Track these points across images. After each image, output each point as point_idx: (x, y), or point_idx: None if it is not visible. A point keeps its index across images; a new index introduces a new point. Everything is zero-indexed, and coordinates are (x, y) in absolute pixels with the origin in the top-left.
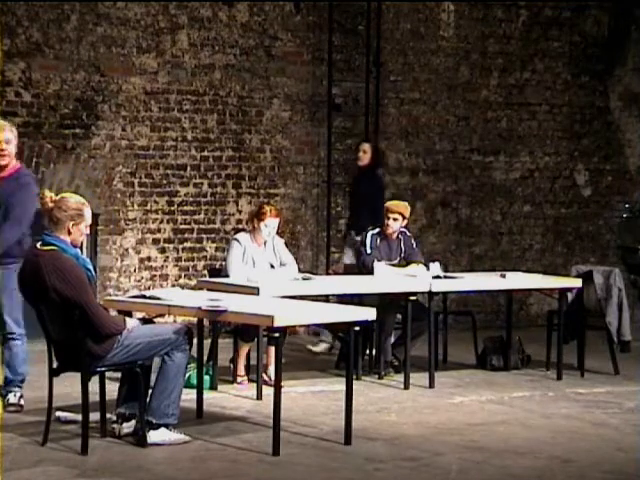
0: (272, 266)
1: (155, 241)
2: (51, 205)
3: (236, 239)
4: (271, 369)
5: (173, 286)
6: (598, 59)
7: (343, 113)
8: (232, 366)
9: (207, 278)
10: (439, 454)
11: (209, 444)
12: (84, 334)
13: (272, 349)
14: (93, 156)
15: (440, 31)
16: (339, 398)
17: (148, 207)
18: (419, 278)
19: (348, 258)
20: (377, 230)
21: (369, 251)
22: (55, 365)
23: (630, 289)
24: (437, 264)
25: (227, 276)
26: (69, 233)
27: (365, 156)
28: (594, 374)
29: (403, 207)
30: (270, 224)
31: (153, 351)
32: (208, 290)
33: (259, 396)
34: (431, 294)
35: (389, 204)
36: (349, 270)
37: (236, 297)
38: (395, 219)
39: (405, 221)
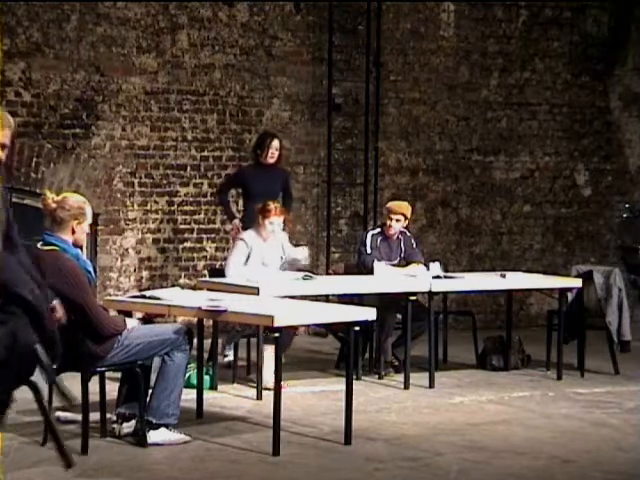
0: (281, 259)
1: (155, 241)
2: (54, 206)
3: (242, 239)
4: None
5: (173, 286)
6: (598, 59)
7: (343, 113)
8: (232, 368)
9: (207, 278)
10: (439, 454)
11: (209, 444)
12: (84, 335)
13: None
14: (93, 156)
15: (440, 31)
16: (339, 398)
17: (148, 207)
18: (419, 278)
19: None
20: (377, 230)
21: (369, 251)
22: (55, 365)
23: (630, 289)
24: (437, 264)
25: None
26: (73, 232)
27: (276, 153)
28: (594, 374)
29: (405, 208)
30: (275, 222)
31: (153, 351)
32: (208, 290)
33: (259, 396)
34: (431, 294)
35: (391, 205)
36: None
37: (236, 297)
38: (398, 220)
39: (406, 221)
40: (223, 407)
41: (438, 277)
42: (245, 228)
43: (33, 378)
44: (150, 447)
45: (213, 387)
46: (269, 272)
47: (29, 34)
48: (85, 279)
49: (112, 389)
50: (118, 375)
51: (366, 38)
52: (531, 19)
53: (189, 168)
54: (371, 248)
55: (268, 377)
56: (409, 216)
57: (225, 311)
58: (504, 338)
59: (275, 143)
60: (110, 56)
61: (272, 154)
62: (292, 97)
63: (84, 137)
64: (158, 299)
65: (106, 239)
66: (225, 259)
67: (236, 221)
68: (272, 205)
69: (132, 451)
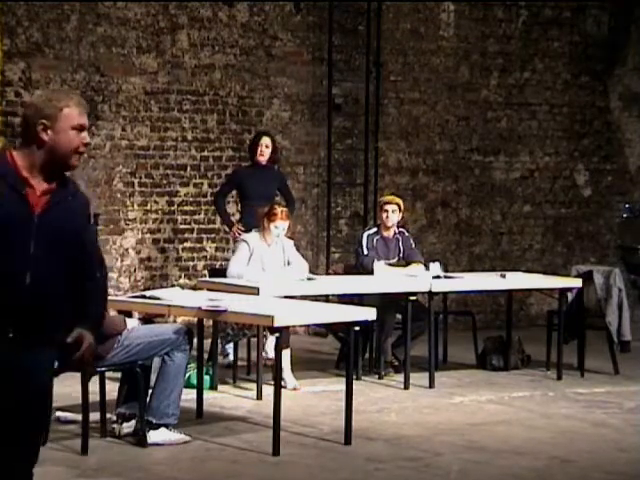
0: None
1: (155, 241)
2: None
3: (245, 240)
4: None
5: (173, 286)
6: (598, 59)
7: (343, 113)
8: (232, 369)
9: (207, 278)
10: (439, 454)
11: (209, 444)
12: None
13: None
14: (93, 156)
15: (440, 31)
16: (339, 398)
17: (148, 207)
18: (419, 278)
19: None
20: (373, 230)
21: (365, 252)
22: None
23: (630, 289)
24: (437, 264)
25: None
26: None
27: (267, 151)
28: (594, 374)
29: (398, 199)
30: (280, 226)
31: (153, 351)
32: (208, 290)
33: (259, 396)
34: (431, 294)
35: (384, 198)
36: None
37: (236, 297)
38: (393, 210)
39: (401, 213)
40: (223, 407)
41: (438, 277)
42: (243, 229)
43: None
44: (150, 447)
45: (213, 387)
46: (270, 275)
47: (29, 34)
48: None
49: (112, 389)
50: (118, 375)
51: (366, 38)
52: (531, 19)
53: (189, 168)
54: (367, 249)
55: (290, 379)
56: (402, 208)
57: (225, 311)
58: (504, 338)
59: (264, 140)
60: (110, 56)
61: (262, 151)
62: (292, 97)
63: None
64: (158, 299)
65: (106, 239)
66: (225, 259)
67: (235, 228)
68: (279, 209)
69: (132, 451)
